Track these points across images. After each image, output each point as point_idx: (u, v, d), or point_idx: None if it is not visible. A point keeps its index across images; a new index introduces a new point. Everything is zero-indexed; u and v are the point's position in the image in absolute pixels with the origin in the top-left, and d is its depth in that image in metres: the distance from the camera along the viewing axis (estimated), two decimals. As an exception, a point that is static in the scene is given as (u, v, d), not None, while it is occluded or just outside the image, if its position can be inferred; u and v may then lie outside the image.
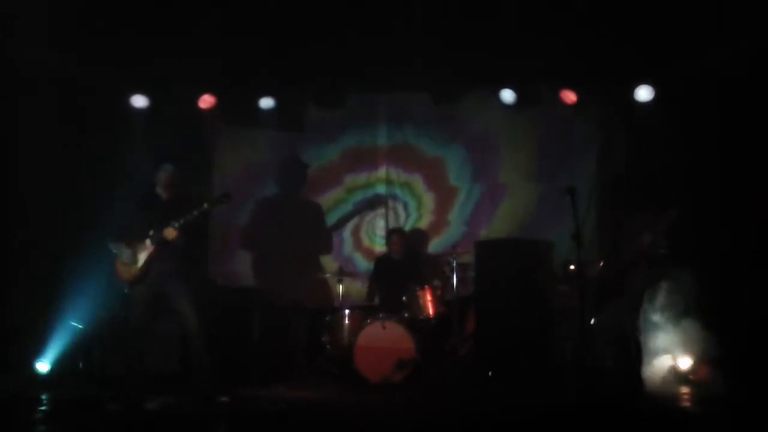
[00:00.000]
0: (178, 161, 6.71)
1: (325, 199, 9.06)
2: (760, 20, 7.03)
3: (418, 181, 9.00)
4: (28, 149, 7.96)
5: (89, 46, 7.67)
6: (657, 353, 7.23)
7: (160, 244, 6.41)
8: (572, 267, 7.55)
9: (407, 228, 8.83)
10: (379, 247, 8.86)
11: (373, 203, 8.99)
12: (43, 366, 7.66)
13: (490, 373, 7.36)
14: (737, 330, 7.18)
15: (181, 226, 6.37)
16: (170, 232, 6.36)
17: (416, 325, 7.53)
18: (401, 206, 9.01)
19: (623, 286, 6.16)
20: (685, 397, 6.78)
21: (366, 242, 9.03)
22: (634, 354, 6.24)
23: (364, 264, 8.88)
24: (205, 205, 6.49)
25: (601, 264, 6.34)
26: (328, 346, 7.71)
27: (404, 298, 7.74)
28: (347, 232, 9.04)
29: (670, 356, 7.34)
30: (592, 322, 6.15)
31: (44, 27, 7.30)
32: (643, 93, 8.25)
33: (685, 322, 7.30)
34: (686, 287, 7.08)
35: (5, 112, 7.86)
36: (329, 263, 8.79)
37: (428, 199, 8.98)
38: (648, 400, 6.17)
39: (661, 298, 6.74)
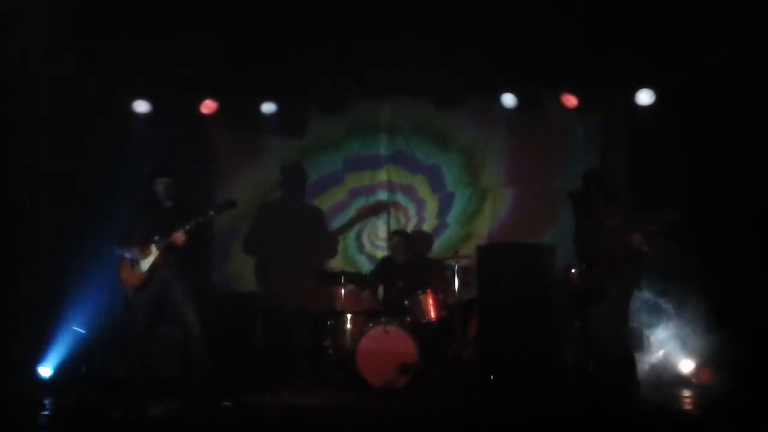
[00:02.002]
0: (178, 169, 6.71)
1: (328, 203, 9.05)
2: (760, 21, 7.03)
3: (419, 185, 8.99)
4: (30, 153, 7.97)
5: (90, 51, 7.69)
6: (652, 348, 7.26)
7: (166, 249, 6.42)
8: (573, 271, 7.57)
9: (409, 230, 8.81)
10: (381, 253, 8.86)
11: (376, 210, 8.99)
12: (45, 371, 7.68)
13: (492, 377, 7.37)
14: (740, 332, 7.18)
15: (186, 233, 6.38)
16: (178, 237, 6.37)
17: (419, 329, 7.52)
18: (403, 210, 9.00)
19: (608, 290, 6.13)
20: (687, 400, 6.79)
21: (368, 248, 9.03)
22: (627, 358, 6.22)
23: (367, 268, 8.85)
24: (211, 212, 6.50)
25: (581, 268, 6.29)
26: (330, 351, 7.71)
27: (406, 302, 7.74)
28: (350, 236, 9.04)
29: (662, 352, 7.38)
30: (576, 325, 6.13)
31: (46, 31, 7.32)
32: (644, 96, 8.25)
33: (686, 311, 7.34)
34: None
35: (8, 116, 7.88)
36: (333, 267, 8.79)
37: (430, 203, 8.97)
38: (648, 404, 6.16)
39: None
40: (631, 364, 6.29)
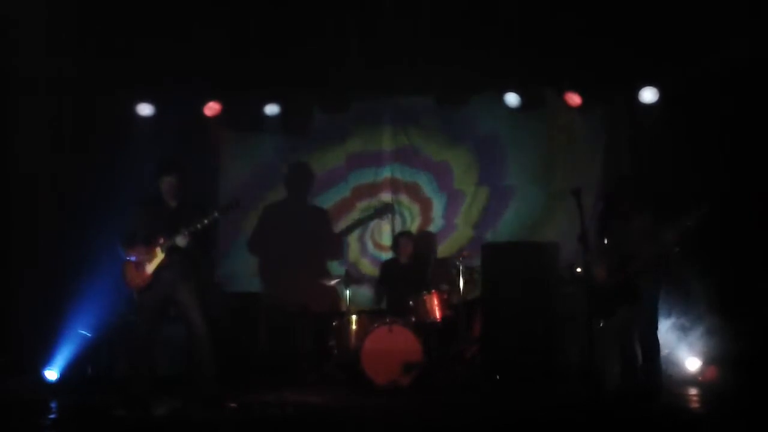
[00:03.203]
0: (183, 168, 6.71)
1: (332, 205, 9.05)
2: (763, 20, 7.02)
3: (423, 185, 8.98)
4: (35, 156, 7.99)
5: (92, 53, 7.71)
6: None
7: (171, 251, 6.44)
8: (578, 270, 7.56)
9: (414, 231, 8.80)
10: (385, 254, 8.85)
11: (381, 212, 8.99)
12: (51, 374, 7.69)
13: (498, 377, 7.36)
14: (745, 330, 7.16)
15: (191, 234, 6.40)
16: (182, 240, 6.38)
17: (423, 328, 7.52)
18: (406, 210, 9.00)
19: (636, 291, 6.08)
20: (693, 398, 6.76)
21: (372, 248, 9.03)
22: (650, 360, 6.17)
23: (370, 269, 8.86)
24: (216, 213, 6.49)
25: (607, 267, 6.22)
26: (335, 350, 7.71)
27: (411, 301, 7.74)
28: (354, 237, 9.04)
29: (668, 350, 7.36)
30: (601, 325, 6.07)
31: (51, 34, 7.35)
32: (648, 95, 8.24)
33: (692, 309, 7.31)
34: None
35: (14, 120, 7.90)
36: (336, 268, 8.80)
37: (433, 203, 8.96)
38: (655, 404, 6.14)
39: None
40: (659, 366, 6.25)
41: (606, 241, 6.32)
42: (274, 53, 7.99)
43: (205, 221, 6.42)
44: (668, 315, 7.43)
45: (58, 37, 7.35)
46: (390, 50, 7.87)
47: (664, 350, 7.32)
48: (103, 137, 8.29)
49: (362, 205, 9.05)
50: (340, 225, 9.03)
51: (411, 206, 9.00)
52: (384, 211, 8.98)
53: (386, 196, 9.00)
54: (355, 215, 9.05)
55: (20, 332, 7.86)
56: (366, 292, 8.66)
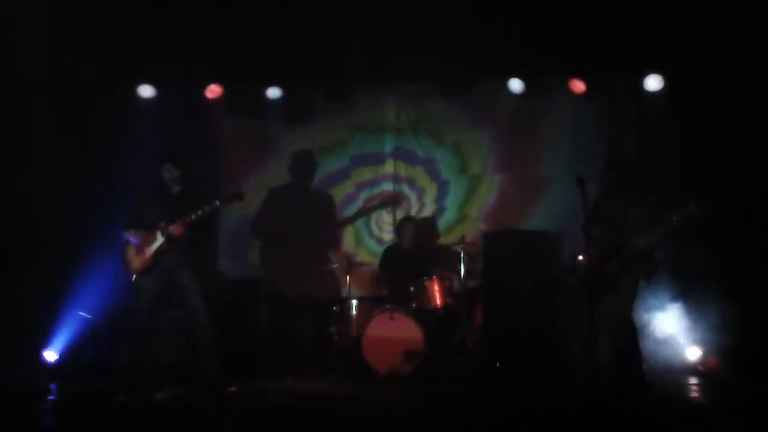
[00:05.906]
0: (183, 153, 6.70)
1: (334, 192, 9.02)
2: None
3: (425, 173, 8.96)
4: (34, 140, 7.95)
5: (95, 38, 7.67)
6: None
7: (170, 237, 6.43)
8: (580, 258, 7.52)
9: (416, 217, 8.78)
10: (388, 236, 8.83)
11: (385, 202, 8.96)
12: (50, 354, 7.68)
13: (497, 364, 7.36)
14: (747, 320, 7.16)
15: (190, 222, 6.39)
16: (177, 228, 6.39)
17: (424, 315, 7.49)
18: (407, 198, 8.97)
19: (619, 279, 6.07)
20: (693, 388, 6.77)
21: (376, 233, 9.00)
22: (631, 347, 6.17)
23: (376, 251, 8.80)
24: (217, 203, 6.49)
25: (593, 255, 6.19)
26: (335, 337, 7.68)
27: (411, 287, 7.70)
28: (359, 223, 9.01)
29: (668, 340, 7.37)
30: (577, 308, 6.05)
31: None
32: (652, 82, 8.21)
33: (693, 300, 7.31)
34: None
35: (11, 106, 7.85)
36: (337, 254, 8.79)
37: (435, 191, 8.94)
38: (652, 393, 6.13)
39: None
40: (636, 355, 6.23)
41: (597, 229, 6.28)
42: (277, 37, 7.92)
43: (207, 209, 6.43)
44: (671, 304, 7.46)
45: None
46: (394, 38, 7.80)
47: (666, 340, 7.37)
48: (104, 120, 8.24)
49: (365, 196, 9.02)
50: (343, 213, 9.00)
51: (412, 194, 8.97)
52: (387, 202, 8.95)
53: (387, 186, 8.97)
54: (357, 203, 9.02)
55: (19, 317, 7.83)
56: (368, 277, 8.62)
